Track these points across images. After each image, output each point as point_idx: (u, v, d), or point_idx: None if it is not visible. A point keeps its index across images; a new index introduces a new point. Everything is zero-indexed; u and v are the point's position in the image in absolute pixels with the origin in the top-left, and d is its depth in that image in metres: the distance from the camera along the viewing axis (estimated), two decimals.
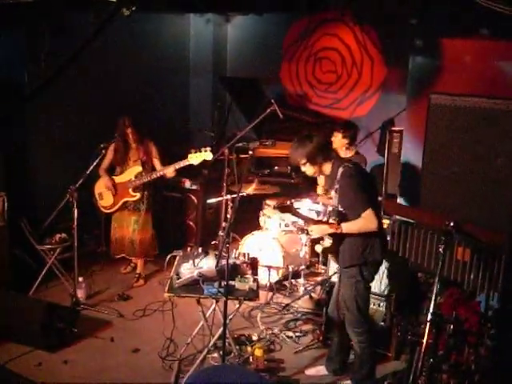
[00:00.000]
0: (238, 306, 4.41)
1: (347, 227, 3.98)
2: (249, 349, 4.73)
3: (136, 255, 6.14)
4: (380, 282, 4.89)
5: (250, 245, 6.02)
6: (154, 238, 6.17)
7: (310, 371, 4.60)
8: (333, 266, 5.49)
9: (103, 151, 5.56)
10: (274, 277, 5.99)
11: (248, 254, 4.70)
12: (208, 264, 4.35)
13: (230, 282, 4.13)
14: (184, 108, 8.36)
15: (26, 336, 4.75)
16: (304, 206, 6.14)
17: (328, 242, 4.15)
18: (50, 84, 4.36)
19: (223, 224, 5.68)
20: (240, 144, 5.16)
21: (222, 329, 4.13)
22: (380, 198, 4.92)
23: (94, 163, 5.44)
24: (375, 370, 4.32)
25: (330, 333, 4.75)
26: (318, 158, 4.04)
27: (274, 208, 4.10)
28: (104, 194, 5.97)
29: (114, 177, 5.95)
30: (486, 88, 4.69)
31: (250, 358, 4.61)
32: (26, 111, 5.91)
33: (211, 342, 4.45)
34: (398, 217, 4.60)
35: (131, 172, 5.87)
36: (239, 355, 4.63)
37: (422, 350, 3.63)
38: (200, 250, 4.55)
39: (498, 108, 4.29)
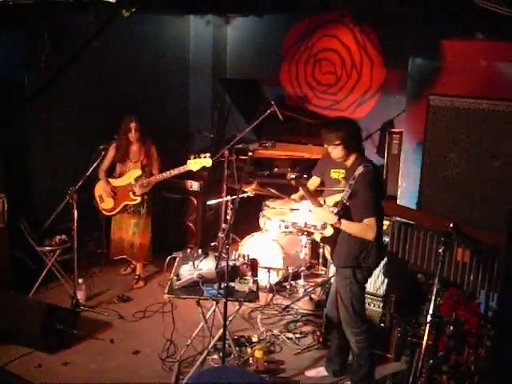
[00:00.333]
0: (237, 307, 4.41)
1: (346, 226, 3.98)
2: (249, 350, 4.73)
3: (135, 258, 6.15)
4: (377, 283, 4.89)
5: (250, 246, 6.02)
6: (151, 243, 6.18)
7: (311, 372, 4.61)
8: (332, 268, 5.49)
9: (102, 153, 5.56)
10: (274, 278, 5.99)
11: (248, 256, 4.69)
12: (208, 265, 4.34)
13: (230, 284, 4.13)
14: (184, 109, 8.36)
15: (26, 337, 4.75)
16: (303, 207, 6.13)
17: (329, 232, 4.14)
18: (51, 85, 4.37)
19: (223, 225, 5.68)
20: (240, 145, 5.17)
21: (221, 330, 4.13)
22: None
23: (94, 165, 5.45)
24: (374, 370, 4.32)
25: (330, 334, 4.76)
26: (351, 144, 4.03)
27: (292, 179, 4.05)
28: (104, 197, 5.97)
29: (113, 180, 5.95)
30: (485, 89, 4.70)
31: (250, 359, 4.61)
32: (27, 112, 5.91)
33: (211, 344, 4.45)
34: (397, 218, 4.61)
35: (131, 175, 5.86)
36: (239, 357, 4.62)
37: (422, 351, 3.63)
38: (200, 251, 4.55)
39: (497, 109, 4.31)
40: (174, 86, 7.98)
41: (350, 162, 4.10)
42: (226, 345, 4.25)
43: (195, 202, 6.88)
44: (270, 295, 5.81)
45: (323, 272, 6.27)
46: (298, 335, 5.16)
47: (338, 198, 4.14)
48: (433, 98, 4.68)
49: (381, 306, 4.88)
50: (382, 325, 4.80)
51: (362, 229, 3.92)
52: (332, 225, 4.07)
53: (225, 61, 8.45)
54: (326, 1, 6.26)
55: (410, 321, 4.56)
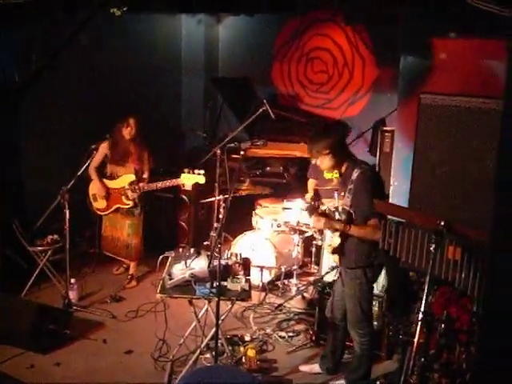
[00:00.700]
0: (230, 306, 4.43)
1: (355, 230, 3.95)
2: (241, 349, 4.73)
3: (130, 258, 6.14)
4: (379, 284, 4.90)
5: (243, 245, 6.03)
6: (143, 241, 6.18)
7: (304, 368, 4.63)
8: (325, 266, 5.50)
9: (94, 152, 5.56)
10: (267, 277, 5.99)
11: (240, 255, 4.70)
12: (200, 265, 4.35)
13: (222, 283, 4.13)
14: (176, 108, 8.36)
15: (18, 338, 4.73)
16: (296, 206, 6.14)
17: (336, 242, 4.09)
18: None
19: (215, 224, 5.67)
20: (232, 144, 5.15)
21: (214, 329, 4.14)
22: None
23: (86, 164, 5.44)
24: (370, 371, 4.33)
25: (324, 332, 4.77)
26: (341, 152, 4.00)
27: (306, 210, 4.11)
28: (98, 197, 5.96)
29: (108, 181, 5.93)
30: (476, 88, 4.71)
31: (243, 358, 4.61)
32: (18, 113, 5.88)
33: (204, 343, 4.45)
34: (389, 216, 4.61)
35: (125, 180, 5.84)
36: (232, 356, 4.62)
37: (414, 349, 3.64)
38: (192, 250, 4.55)
39: (488, 107, 4.33)
40: (166, 85, 7.98)
41: (343, 168, 4.06)
42: (219, 344, 4.25)
43: (187, 201, 6.87)
44: (263, 294, 5.81)
45: (316, 271, 6.28)
46: (290, 334, 5.17)
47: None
48: (424, 97, 4.70)
49: (374, 304, 4.88)
50: (375, 323, 4.81)
51: (370, 231, 3.90)
52: (341, 235, 4.05)
53: (217, 60, 8.45)
54: (318, 0, 6.26)
55: (402, 319, 4.57)
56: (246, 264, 4.65)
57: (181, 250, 4.68)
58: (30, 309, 4.77)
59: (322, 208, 4.60)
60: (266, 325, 5.34)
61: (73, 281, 5.60)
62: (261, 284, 5.88)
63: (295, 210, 6.06)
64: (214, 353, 4.20)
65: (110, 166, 5.93)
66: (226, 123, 7.47)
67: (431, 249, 3.71)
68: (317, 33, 7.51)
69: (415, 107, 4.75)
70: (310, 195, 5.96)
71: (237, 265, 4.51)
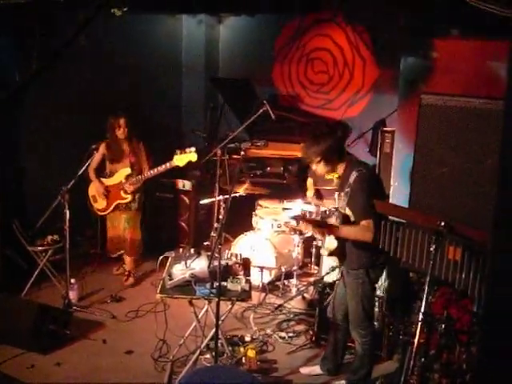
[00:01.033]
0: (230, 306, 4.42)
1: (344, 232, 3.94)
2: (241, 349, 4.73)
3: (128, 253, 6.14)
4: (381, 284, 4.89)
5: (243, 245, 6.03)
6: (142, 239, 6.20)
7: (305, 370, 4.62)
8: (325, 267, 5.51)
9: (95, 152, 5.58)
10: (267, 277, 5.99)
11: (240, 255, 4.70)
12: (200, 265, 4.34)
13: (223, 283, 4.13)
14: (176, 109, 8.35)
15: (18, 338, 4.73)
16: (295, 206, 6.14)
17: (333, 245, 4.10)
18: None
19: (215, 225, 5.68)
20: (232, 145, 5.16)
21: (214, 330, 4.13)
22: None
23: (86, 164, 5.46)
24: (371, 372, 4.32)
25: (325, 333, 4.76)
26: (333, 158, 3.97)
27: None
28: (97, 197, 5.97)
29: (104, 179, 5.95)
30: (476, 88, 4.71)
31: (243, 358, 4.61)
32: (18, 112, 5.88)
33: (204, 343, 4.45)
34: (389, 217, 4.61)
35: (121, 174, 5.87)
36: (232, 356, 4.62)
37: (414, 349, 3.64)
38: (192, 250, 4.55)
39: (489, 108, 4.32)
40: (166, 86, 7.98)
41: (340, 170, 4.05)
42: (219, 344, 4.24)
43: (188, 201, 6.87)
44: (263, 294, 5.81)
45: (316, 271, 6.28)
46: (290, 334, 5.17)
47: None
48: (425, 97, 4.69)
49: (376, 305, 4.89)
50: (375, 323, 4.81)
51: (360, 230, 3.87)
52: (335, 236, 4.05)
53: (217, 60, 8.45)
54: (319, 1, 6.26)
55: (402, 319, 4.57)
56: (246, 264, 4.65)
57: (181, 250, 4.68)
58: (30, 309, 4.77)
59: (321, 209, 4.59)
60: (266, 325, 5.34)
61: (73, 281, 5.61)
62: (261, 284, 5.87)
63: (295, 211, 6.06)
64: (214, 353, 4.20)
65: (108, 165, 5.96)
66: (227, 124, 7.46)
67: (431, 249, 3.71)
68: (317, 33, 7.50)
69: (416, 108, 4.74)
70: (310, 193, 5.98)
71: (237, 265, 4.50)
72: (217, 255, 4.08)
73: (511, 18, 3.41)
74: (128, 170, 5.85)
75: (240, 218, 6.48)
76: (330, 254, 4.19)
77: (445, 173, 4.53)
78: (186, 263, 4.35)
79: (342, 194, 4.01)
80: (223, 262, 4.24)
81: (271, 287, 6.02)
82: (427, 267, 3.75)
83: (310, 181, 6.05)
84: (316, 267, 6.35)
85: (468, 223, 4.05)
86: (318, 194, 6.22)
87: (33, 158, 6.22)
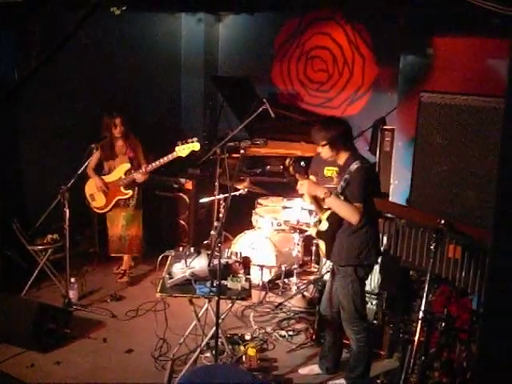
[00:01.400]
0: (230, 305, 4.42)
1: (334, 201, 3.97)
2: (242, 348, 4.73)
3: (123, 251, 6.13)
4: (372, 280, 4.90)
5: (243, 244, 6.02)
6: (142, 238, 6.18)
7: (304, 370, 4.61)
8: (325, 265, 5.50)
9: (95, 151, 5.57)
10: (267, 276, 5.99)
11: (240, 253, 4.70)
12: (200, 263, 4.34)
13: (223, 282, 4.13)
14: (175, 107, 8.35)
15: (18, 337, 4.73)
16: (296, 205, 6.14)
17: (324, 227, 4.12)
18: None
19: (215, 223, 5.68)
20: (231, 143, 5.16)
21: (214, 328, 4.13)
22: None
23: (86, 163, 5.45)
24: (370, 368, 4.32)
25: (323, 331, 4.76)
26: (338, 144, 4.05)
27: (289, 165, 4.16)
28: (96, 195, 5.96)
29: (103, 177, 5.94)
30: (476, 86, 4.71)
31: (243, 357, 4.61)
32: (17, 112, 5.88)
33: (204, 342, 4.45)
34: (389, 215, 4.62)
35: (120, 170, 5.88)
36: (232, 355, 4.62)
37: (414, 347, 3.64)
38: (192, 249, 4.54)
39: (489, 106, 4.32)
40: (165, 84, 7.97)
41: (342, 160, 4.09)
42: (219, 343, 4.25)
43: (187, 200, 6.87)
44: (263, 293, 5.81)
45: (316, 269, 6.28)
46: (290, 333, 5.16)
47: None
48: (424, 95, 4.69)
49: (374, 303, 4.89)
50: (375, 322, 4.81)
51: (349, 209, 3.90)
52: (330, 220, 4.05)
53: (216, 59, 8.44)
54: None
55: (402, 317, 4.57)
56: (246, 263, 4.65)
57: (181, 248, 4.68)
58: (30, 308, 4.77)
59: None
60: (267, 324, 5.34)
61: (73, 280, 5.60)
62: (261, 283, 5.87)
63: (295, 209, 6.05)
64: (214, 352, 4.19)
65: (106, 163, 5.95)
66: (226, 122, 7.46)
67: (431, 247, 3.71)
68: (317, 31, 7.49)
69: (415, 106, 4.74)
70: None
71: (237, 264, 4.51)
72: (217, 254, 4.08)
73: (511, 16, 3.41)
74: (127, 166, 5.86)
75: (240, 217, 6.48)
76: (318, 235, 4.23)
77: (444, 171, 4.54)
78: (185, 262, 4.35)
79: (341, 181, 4.04)
80: (223, 261, 4.24)
81: (271, 286, 6.02)
82: (427, 265, 3.76)
83: (310, 178, 6.00)
84: (316, 266, 6.35)
85: (468, 221, 4.05)
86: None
87: (32, 157, 6.20)
